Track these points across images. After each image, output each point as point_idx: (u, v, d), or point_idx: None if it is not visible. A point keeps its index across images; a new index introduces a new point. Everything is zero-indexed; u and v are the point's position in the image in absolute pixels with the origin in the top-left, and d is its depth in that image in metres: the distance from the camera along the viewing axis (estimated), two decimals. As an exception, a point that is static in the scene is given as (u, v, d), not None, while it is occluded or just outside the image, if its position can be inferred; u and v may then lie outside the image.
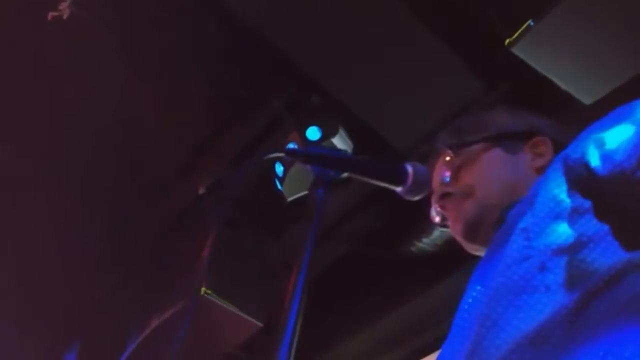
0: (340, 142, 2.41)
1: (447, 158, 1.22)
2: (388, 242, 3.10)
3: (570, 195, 0.91)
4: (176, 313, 3.06)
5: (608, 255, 0.86)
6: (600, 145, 0.90)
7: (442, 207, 1.20)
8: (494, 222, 1.09)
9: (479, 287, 0.95)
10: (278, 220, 2.98)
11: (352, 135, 2.46)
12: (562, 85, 2.16)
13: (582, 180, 0.91)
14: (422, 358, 3.24)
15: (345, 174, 0.94)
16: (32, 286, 3.34)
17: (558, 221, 0.90)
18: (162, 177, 3.01)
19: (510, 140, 1.20)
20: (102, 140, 2.85)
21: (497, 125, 1.24)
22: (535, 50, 1.98)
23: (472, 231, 1.15)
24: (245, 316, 3.06)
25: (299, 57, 2.37)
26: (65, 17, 2.26)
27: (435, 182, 1.23)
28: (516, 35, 1.93)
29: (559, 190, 0.93)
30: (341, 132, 2.41)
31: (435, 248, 2.88)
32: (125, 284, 3.45)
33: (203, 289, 2.93)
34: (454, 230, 1.19)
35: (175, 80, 2.69)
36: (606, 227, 0.88)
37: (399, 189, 1.03)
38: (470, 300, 0.95)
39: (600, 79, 2.13)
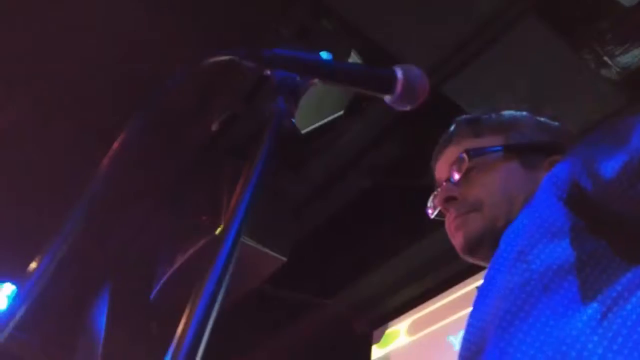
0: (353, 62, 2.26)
1: (461, 158, 1.12)
2: (412, 173, 2.99)
3: (564, 215, 0.89)
4: (199, 250, 3.05)
5: (610, 272, 0.84)
6: (589, 164, 0.88)
7: (444, 209, 1.13)
8: (497, 241, 1.02)
9: (482, 316, 0.92)
10: (295, 153, 2.88)
11: (365, 59, 2.30)
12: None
13: (573, 199, 0.90)
14: (449, 288, 3.19)
15: (316, 80, 0.80)
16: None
17: (555, 241, 0.88)
18: (174, 114, 2.92)
19: (530, 154, 1.10)
20: (111, 76, 2.77)
21: (520, 131, 1.13)
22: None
23: (472, 248, 1.08)
24: (268, 251, 3.03)
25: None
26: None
27: (441, 173, 1.15)
28: None
29: (552, 211, 0.91)
30: (353, 55, 2.25)
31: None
32: (149, 223, 3.46)
33: (222, 225, 2.89)
34: (453, 239, 1.11)
35: (184, 11, 2.56)
36: (605, 244, 0.86)
37: (387, 98, 0.86)
38: (472, 330, 0.93)
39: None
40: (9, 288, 3.56)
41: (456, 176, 1.10)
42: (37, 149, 3.09)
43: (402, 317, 3.45)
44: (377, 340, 3.54)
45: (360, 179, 3.05)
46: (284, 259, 3.01)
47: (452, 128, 1.19)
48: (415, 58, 2.37)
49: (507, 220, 1.02)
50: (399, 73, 0.86)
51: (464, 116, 1.21)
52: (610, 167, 0.85)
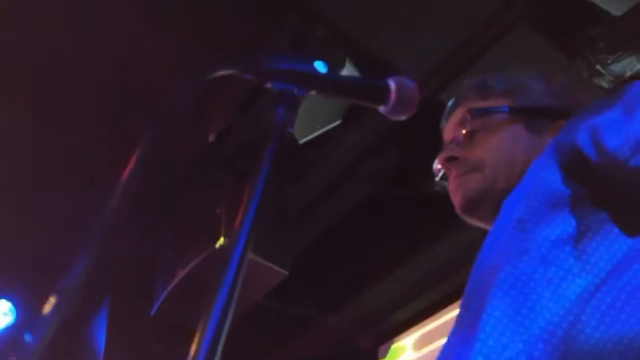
0: (348, 74, 2.27)
1: (465, 118, 1.12)
2: (411, 182, 3.00)
3: (565, 183, 0.88)
4: (199, 264, 3.05)
5: (608, 243, 0.84)
6: (593, 132, 0.88)
7: (447, 169, 1.13)
8: (497, 204, 1.02)
9: (478, 282, 0.91)
10: (293, 164, 2.89)
11: (360, 67, 2.31)
12: (586, -6, 1.96)
13: (576, 167, 0.89)
14: (456, 302, 3.18)
15: (313, 92, 0.82)
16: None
17: (554, 211, 0.87)
18: (172, 125, 2.92)
19: (535, 117, 1.10)
20: (107, 90, 2.78)
21: (528, 95, 1.13)
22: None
23: (470, 208, 1.09)
24: (269, 264, 3.02)
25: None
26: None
27: (448, 135, 1.16)
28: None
29: (553, 179, 0.89)
30: (348, 64, 2.27)
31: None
32: (148, 237, 3.46)
33: (222, 239, 2.89)
34: (453, 198, 1.12)
35: (177, 25, 2.58)
36: (604, 215, 0.86)
37: (381, 108, 0.91)
38: (469, 292, 0.92)
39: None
40: (4, 305, 3.55)
41: (459, 137, 1.11)
42: (33, 163, 3.09)
43: (408, 332, 3.42)
44: (383, 356, 3.52)
45: (360, 189, 3.06)
46: (285, 272, 3.00)
47: (459, 90, 1.19)
48: (410, 66, 2.39)
49: (508, 182, 1.03)
50: (392, 84, 0.91)
51: (472, 78, 1.21)
52: (614, 136, 0.85)
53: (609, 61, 2.29)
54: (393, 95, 0.90)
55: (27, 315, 3.52)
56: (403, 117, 0.93)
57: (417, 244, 3.17)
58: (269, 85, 0.80)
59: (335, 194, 3.15)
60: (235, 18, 2.45)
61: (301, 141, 2.57)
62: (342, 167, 3.00)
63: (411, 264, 3.23)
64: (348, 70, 2.28)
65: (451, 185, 1.11)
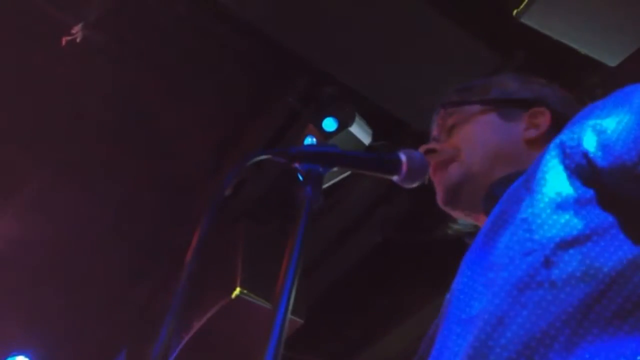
0: (358, 129, 2.38)
1: (443, 115, 1.19)
2: (422, 227, 3.05)
3: (571, 184, 0.86)
4: (216, 314, 3.09)
5: (612, 250, 0.82)
6: (599, 132, 0.86)
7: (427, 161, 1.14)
8: (480, 192, 1.06)
9: (478, 278, 0.89)
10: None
11: (370, 122, 2.42)
12: (581, 49, 2.07)
13: (581, 168, 0.87)
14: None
15: (335, 168, 0.92)
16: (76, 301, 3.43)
17: (559, 212, 0.85)
18: (188, 180, 3.04)
19: (508, 106, 1.15)
20: (128, 150, 2.91)
21: (500, 89, 1.18)
22: (545, 17, 1.91)
23: (453, 197, 1.12)
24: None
25: (308, 50, 2.35)
26: (78, 40, 2.31)
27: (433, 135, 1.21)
28: (523, 4, 1.86)
29: (559, 180, 0.87)
30: (358, 120, 2.38)
31: (472, 229, 2.83)
32: (162, 289, 3.51)
33: (238, 289, 2.95)
34: (438, 196, 1.15)
35: (190, 88, 2.71)
36: (611, 219, 0.84)
37: (395, 178, 1.01)
38: (463, 288, 0.89)
39: (621, 38, 2.04)
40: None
41: (436, 131, 1.17)
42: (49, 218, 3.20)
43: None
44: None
45: (372, 235, 3.13)
46: (301, 320, 3.04)
47: (441, 99, 1.25)
48: (417, 121, 2.50)
49: (485, 166, 1.07)
50: (403, 157, 1.01)
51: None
52: (622, 140, 0.83)
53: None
54: (404, 167, 1.00)
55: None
56: (415, 185, 1.02)
57: (430, 290, 3.20)
58: (297, 165, 0.91)
59: (348, 241, 3.22)
60: (246, 80, 2.58)
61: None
62: (354, 215, 3.08)
63: (425, 309, 3.24)
64: (358, 125, 2.38)
65: (436, 187, 1.15)
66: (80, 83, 2.64)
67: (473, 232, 1.09)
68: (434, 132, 1.20)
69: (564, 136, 0.90)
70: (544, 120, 1.13)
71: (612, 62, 2.11)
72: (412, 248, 3.12)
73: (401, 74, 2.39)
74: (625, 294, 0.78)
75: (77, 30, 2.28)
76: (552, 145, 0.91)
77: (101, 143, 2.87)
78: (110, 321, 3.58)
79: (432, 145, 1.16)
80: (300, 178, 0.88)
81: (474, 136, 1.13)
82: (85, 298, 3.45)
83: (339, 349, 3.55)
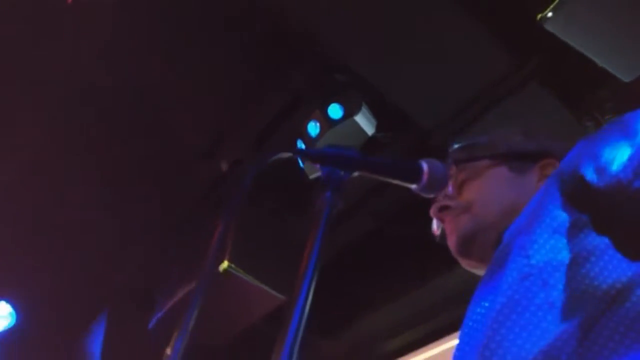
0: (363, 119, 2.35)
1: (452, 172, 1.19)
2: (413, 219, 3.06)
3: (566, 210, 0.88)
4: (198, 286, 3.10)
5: (611, 269, 0.83)
6: (595, 158, 0.88)
7: (440, 219, 1.19)
8: (492, 242, 1.07)
9: (479, 309, 0.91)
10: (301, 197, 2.96)
11: (375, 113, 2.40)
12: (598, 61, 2.06)
13: (577, 193, 0.88)
14: (450, 334, 3.24)
15: (355, 173, 0.91)
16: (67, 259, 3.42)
17: (556, 236, 0.87)
18: (188, 155, 3.01)
19: (517, 160, 1.17)
20: (131, 127, 2.87)
21: (508, 144, 1.20)
22: (568, 25, 1.89)
23: (465, 247, 1.13)
24: (268, 289, 3.08)
25: (321, 34, 2.31)
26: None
27: (439, 195, 1.21)
28: (549, 10, 1.84)
29: (555, 205, 0.90)
30: (364, 109, 2.35)
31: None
32: (153, 255, 3.51)
33: (226, 262, 2.95)
34: (450, 244, 1.16)
35: (196, 64, 2.67)
36: (607, 240, 0.85)
37: (414, 187, 1.00)
38: (471, 324, 0.91)
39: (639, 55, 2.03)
40: (5, 308, 3.59)
41: (450, 187, 1.17)
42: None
43: (403, 359, 3.47)
44: (376, 384, 3.56)
45: (363, 223, 3.13)
46: (283, 297, 3.06)
47: (448, 153, 1.25)
48: (423, 114, 2.48)
49: (498, 218, 1.08)
50: (425, 166, 1.00)
51: (456, 143, 1.27)
52: (617, 161, 0.85)
53: (616, 120, 2.38)
54: (425, 177, 0.99)
55: (26, 318, 3.58)
56: (433, 195, 1.01)
57: (415, 278, 3.23)
58: (317, 166, 0.90)
59: (339, 227, 3.22)
60: (254, 59, 2.54)
61: (311, 176, 2.64)
62: (347, 202, 3.07)
63: (410, 295, 3.28)
64: (363, 115, 2.35)
65: (448, 235, 1.16)
66: (75, 62, 2.58)
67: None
68: (448, 188, 1.19)
69: (562, 165, 0.93)
70: (554, 170, 1.11)
71: (627, 77, 2.10)
72: (402, 239, 3.13)
73: (412, 69, 2.36)
74: (623, 313, 0.80)
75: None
76: (552, 173, 0.95)
77: (96, 126, 2.83)
78: (95, 282, 3.58)
79: (445, 202, 1.16)
80: (322, 176, 0.86)
81: (486, 190, 1.14)
82: (73, 257, 3.44)
83: (320, 325, 3.59)
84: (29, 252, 3.39)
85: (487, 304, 0.89)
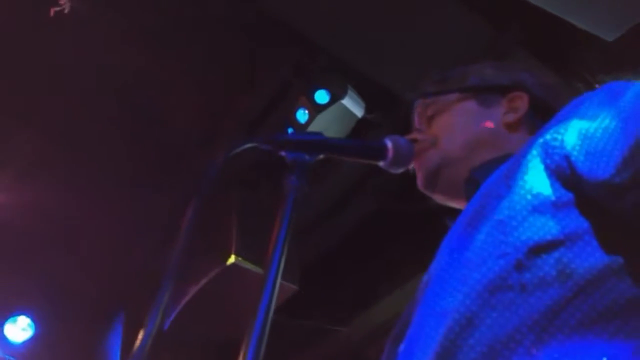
0: (350, 102, 2.37)
1: (423, 106, 1.19)
2: (416, 196, 3.07)
3: (550, 186, 0.85)
4: (211, 281, 3.13)
5: (585, 256, 0.82)
6: (583, 137, 0.84)
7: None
8: (461, 177, 1.07)
9: (449, 261, 0.91)
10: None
11: (362, 94, 2.41)
12: (578, 23, 2.06)
13: (561, 170, 0.85)
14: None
15: (321, 156, 0.93)
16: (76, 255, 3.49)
17: (536, 215, 0.85)
18: (181, 146, 3.05)
19: (485, 92, 1.15)
20: (123, 118, 2.90)
21: (478, 77, 1.19)
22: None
23: (430, 182, 1.13)
24: (280, 280, 3.10)
25: (301, 21, 2.32)
26: (66, 11, 2.28)
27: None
28: (520, -24, 1.84)
29: (538, 180, 0.86)
30: (350, 92, 2.36)
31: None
32: (162, 254, 3.55)
33: (233, 256, 2.98)
34: (417, 181, 1.16)
35: (182, 58, 2.69)
36: (586, 225, 0.83)
37: (381, 164, 1.03)
38: (440, 277, 0.90)
39: (619, 13, 2.02)
40: (24, 321, 3.68)
41: (417, 121, 1.19)
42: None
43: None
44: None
45: (366, 203, 3.15)
46: (295, 286, 3.08)
47: (419, 89, 1.25)
48: (410, 90, 2.48)
49: (464, 152, 1.08)
50: (389, 143, 1.03)
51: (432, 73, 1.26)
52: (602, 146, 0.82)
53: (606, 80, 2.38)
54: (390, 153, 1.02)
55: (45, 330, 3.65)
56: (401, 170, 1.03)
57: (425, 257, 3.23)
58: (283, 153, 0.92)
59: (343, 209, 3.24)
60: (239, 49, 2.56)
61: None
62: (348, 183, 3.09)
63: (420, 276, 3.27)
64: (350, 98, 2.37)
65: (416, 172, 1.16)
66: (69, 52, 2.61)
67: (452, 213, 1.09)
68: (415, 122, 1.21)
69: (548, 135, 0.89)
70: (522, 103, 1.13)
71: (609, 37, 2.10)
72: (406, 217, 3.14)
73: (394, 46, 2.37)
74: (591, 303, 0.79)
75: (64, 1, 2.25)
76: (535, 143, 0.90)
77: (92, 113, 2.86)
78: (109, 284, 3.64)
79: (412, 135, 1.17)
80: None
81: (453, 124, 1.14)
82: (84, 261, 3.50)
83: (333, 313, 3.62)
84: (40, 264, 3.46)
85: (463, 271, 0.87)
